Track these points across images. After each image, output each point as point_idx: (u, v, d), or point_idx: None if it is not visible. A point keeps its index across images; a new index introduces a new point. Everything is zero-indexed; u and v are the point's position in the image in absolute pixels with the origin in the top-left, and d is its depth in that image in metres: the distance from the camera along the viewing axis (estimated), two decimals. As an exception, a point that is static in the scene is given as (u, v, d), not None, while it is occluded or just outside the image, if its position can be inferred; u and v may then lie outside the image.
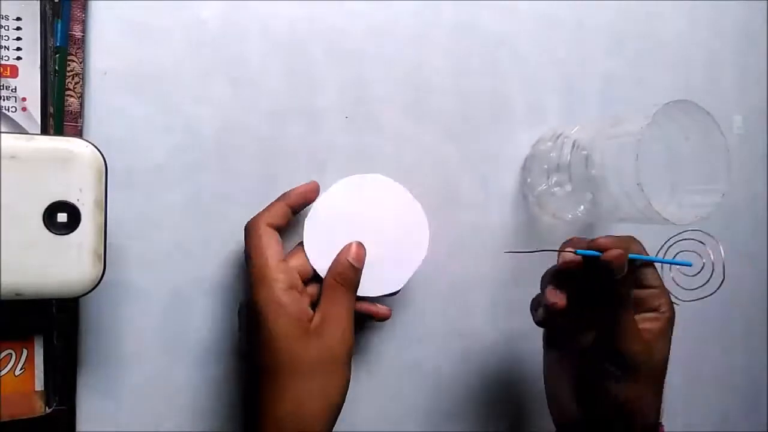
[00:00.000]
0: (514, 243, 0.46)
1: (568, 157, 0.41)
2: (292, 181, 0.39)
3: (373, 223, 0.37)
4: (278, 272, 0.33)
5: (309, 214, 0.37)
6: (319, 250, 0.36)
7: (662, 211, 0.35)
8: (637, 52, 0.50)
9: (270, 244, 0.34)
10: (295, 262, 0.36)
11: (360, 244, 0.36)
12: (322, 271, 0.36)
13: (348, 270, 0.35)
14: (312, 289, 0.36)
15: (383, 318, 0.38)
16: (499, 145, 0.45)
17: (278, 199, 0.36)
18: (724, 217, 0.54)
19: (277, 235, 0.35)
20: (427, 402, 0.43)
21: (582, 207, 0.42)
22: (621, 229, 0.49)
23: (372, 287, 0.37)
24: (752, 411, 0.57)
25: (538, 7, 0.46)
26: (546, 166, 0.43)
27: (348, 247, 0.36)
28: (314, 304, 0.35)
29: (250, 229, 0.35)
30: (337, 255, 0.35)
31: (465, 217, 0.44)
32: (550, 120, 0.47)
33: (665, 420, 0.37)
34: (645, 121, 0.35)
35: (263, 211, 0.35)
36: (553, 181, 0.43)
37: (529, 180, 0.45)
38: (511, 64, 0.45)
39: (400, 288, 0.38)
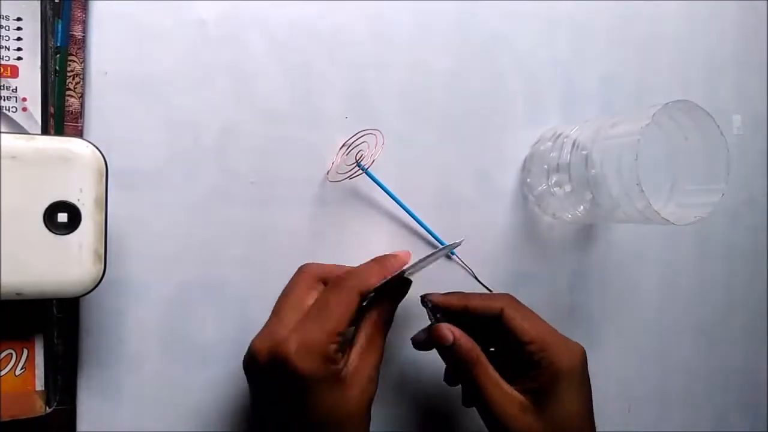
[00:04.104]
0: (514, 243, 0.46)
1: (568, 157, 0.41)
2: (293, 181, 0.39)
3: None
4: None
5: None
6: None
7: (662, 211, 0.36)
8: (637, 52, 0.50)
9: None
10: None
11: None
12: None
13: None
14: None
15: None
16: (499, 145, 0.45)
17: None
18: (724, 217, 0.54)
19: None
20: (425, 401, 0.43)
21: (582, 207, 0.42)
22: (621, 230, 0.49)
23: None
24: (752, 411, 0.57)
25: (538, 7, 0.46)
26: (546, 166, 0.43)
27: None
28: None
29: (344, 285, 0.33)
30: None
31: (465, 217, 0.44)
32: (550, 120, 0.47)
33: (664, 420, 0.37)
34: (645, 121, 0.35)
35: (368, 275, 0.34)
36: (553, 181, 0.43)
37: (529, 180, 0.45)
38: (511, 64, 0.45)
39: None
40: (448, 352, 0.35)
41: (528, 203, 0.46)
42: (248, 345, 0.33)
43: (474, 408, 0.36)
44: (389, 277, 0.34)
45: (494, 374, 0.35)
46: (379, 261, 0.35)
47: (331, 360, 0.30)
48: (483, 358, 0.35)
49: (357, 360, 0.32)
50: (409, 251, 0.36)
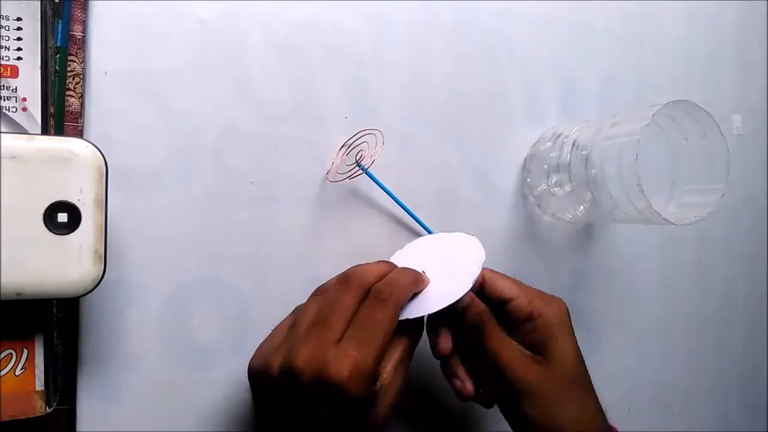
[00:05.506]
0: (514, 243, 0.46)
1: (568, 157, 0.41)
2: (293, 181, 0.39)
3: (436, 264, 0.36)
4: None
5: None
6: None
7: (662, 211, 0.36)
8: (637, 52, 0.50)
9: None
10: None
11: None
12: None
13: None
14: None
15: None
16: (499, 145, 0.45)
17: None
18: (724, 217, 0.54)
19: None
20: (427, 400, 0.43)
21: (582, 207, 0.42)
22: (621, 230, 0.49)
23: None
24: (752, 411, 0.57)
25: (538, 7, 0.46)
26: (546, 166, 0.43)
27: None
28: None
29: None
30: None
31: (465, 217, 0.44)
32: (550, 120, 0.47)
33: (664, 420, 0.37)
34: (645, 121, 0.35)
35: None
36: (553, 181, 0.43)
37: (529, 180, 0.45)
38: (511, 64, 0.45)
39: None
40: (461, 314, 0.35)
41: (528, 203, 0.46)
42: (277, 356, 0.30)
43: (464, 404, 0.36)
44: (420, 289, 0.34)
45: (504, 334, 0.35)
46: (410, 272, 0.34)
47: (375, 380, 0.30)
48: (493, 319, 0.35)
49: (392, 374, 0.31)
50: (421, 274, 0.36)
